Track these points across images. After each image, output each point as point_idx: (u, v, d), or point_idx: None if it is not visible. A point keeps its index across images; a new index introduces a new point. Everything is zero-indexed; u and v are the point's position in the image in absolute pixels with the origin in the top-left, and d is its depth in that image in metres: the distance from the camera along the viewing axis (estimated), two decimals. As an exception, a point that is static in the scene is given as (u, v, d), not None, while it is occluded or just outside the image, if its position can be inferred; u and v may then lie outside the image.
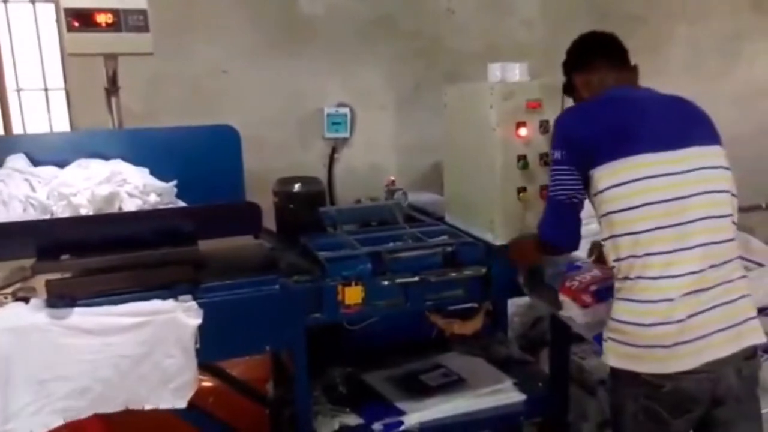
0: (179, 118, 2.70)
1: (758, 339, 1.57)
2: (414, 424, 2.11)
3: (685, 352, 1.50)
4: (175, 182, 2.05)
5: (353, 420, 2.13)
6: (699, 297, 1.51)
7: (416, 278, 1.99)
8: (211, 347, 1.79)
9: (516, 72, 2.12)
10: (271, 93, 3.21)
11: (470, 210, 2.26)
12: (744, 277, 1.61)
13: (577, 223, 1.73)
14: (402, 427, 2.10)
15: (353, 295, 1.93)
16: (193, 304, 1.76)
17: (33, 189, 1.86)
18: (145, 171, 2.03)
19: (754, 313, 1.58)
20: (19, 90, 3.44)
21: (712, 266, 1.53)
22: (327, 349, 2.28)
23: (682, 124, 1.62)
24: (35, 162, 2.04)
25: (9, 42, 3.38)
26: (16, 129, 3.45)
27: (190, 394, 1.77)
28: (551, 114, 2.08)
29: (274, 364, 2.47)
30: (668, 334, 1.50)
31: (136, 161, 2.06)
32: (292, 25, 3.24)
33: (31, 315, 1.68)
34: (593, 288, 1.83)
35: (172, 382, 1.73)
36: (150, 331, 1.71)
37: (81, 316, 1.67)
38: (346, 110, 3.29)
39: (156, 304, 1.73)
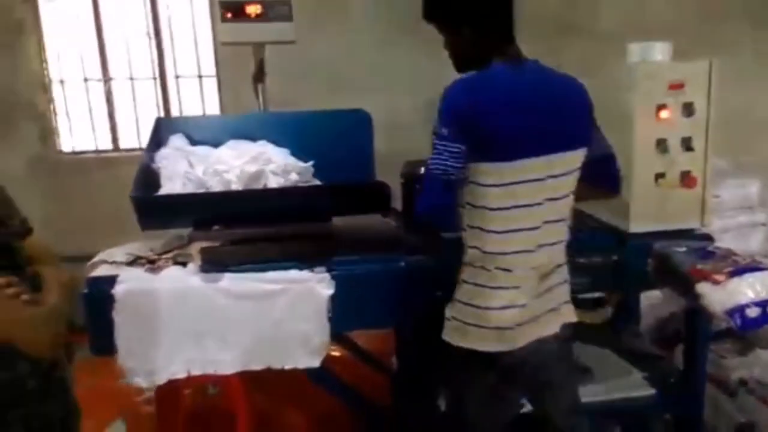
0: (315, 101, 2.85)
1: None
2: (536, 408, 2.11)
3: None
4: (312, 162, 2.18)
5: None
6: None
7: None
8: (341, 318, 1.90)
9: (658, 52, 2.02)
10: (402, 76, 3.29)
11: (602, 195, 2.19)
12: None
13: None
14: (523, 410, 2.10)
15: (476, 275, 1.95)
16: (327, 275, 1.88)
17: (191, 166, 2.07)
18: (287, 151, 2.18)
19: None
20: (177, 77, 3.81)
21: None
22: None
23: (553, 127, 1.54)
24: (192, 141, 2.25)
25: (169, 33, 3.76)
26: (174, 112, 3.84)
27: (324, 354, 1.89)
28: (695, 96, 1.97)
29: (398, 338, 2.56)
30: None
31: (279, 142, 2.22)
32: (424, 9, 3.28)
33: (188, 278, 1.88)
34: (728, 269, 1.74)
35: (308, 345, 1.86)
36: (288, 298, 1.85)
37: (230, 281, 1.85)
38: (475, 93, 3.28)
39: (294, 273, 1.87)
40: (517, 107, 1.51)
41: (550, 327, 1.65)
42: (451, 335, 1.65)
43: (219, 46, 3.58)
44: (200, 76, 3.81)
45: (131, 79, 3.80)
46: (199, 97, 3.83)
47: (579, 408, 1.77)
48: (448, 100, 1.53)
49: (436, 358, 1.98)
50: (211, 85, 3.82)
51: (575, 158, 1.59)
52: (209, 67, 3.80)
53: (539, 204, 1.55)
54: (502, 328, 1.57)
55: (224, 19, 2.30)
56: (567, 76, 1.63)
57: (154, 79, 3.81)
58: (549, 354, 1.65)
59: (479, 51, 1.60)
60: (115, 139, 3.88)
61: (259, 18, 2.27)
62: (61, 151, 3.86)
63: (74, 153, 3.86)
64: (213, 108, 3.80)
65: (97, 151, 3.86)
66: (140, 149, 3.72)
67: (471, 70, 1.61)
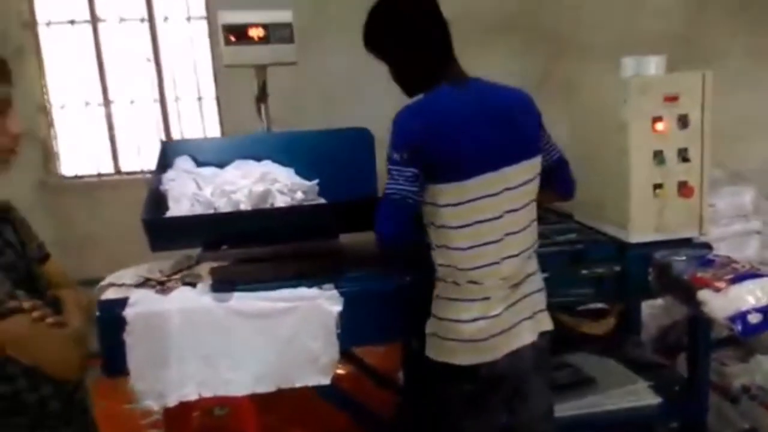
0: (315, 121, 2.89)
1: None
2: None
3: None
4: (317, 181, 2.21)
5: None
6: None
7: (545, 275, 2.00)
8: (349, 334, 1.92)
9: (652, 65, 2.07)
10: (401, 95, 3.34)
11: (602, 208, 2.23)
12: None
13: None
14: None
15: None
16: (335, 292, 1.91)
17: (199, 187, 2.09)
18: (292, 171, 2.21)
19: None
20: (177, 99, 3.85)
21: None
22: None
23: (504, 140, 1.58)
24: (197, 163, 2.27)
25: (169, 56, 3.80)
26: (175, 133, 3.87)
27: (333, 371, 1.91)
28: (690, 108, 2.02)
29: (404, 353, 2.57)
30: None
31: (283, 162, 2.24)
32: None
33: (198, 298, 1.90)
34: (728, 277, 1.78)
35: (317, 362, 1.88)
36: (297, 316, 1.88)
37: (240, 300, 1.87)
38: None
39: (303, 291, 1.90)
40: (466, 126, 1.56)
41: (527, 336, 1.66)
42: (430, 350, 1.68)
43: (218, 67, 3.63)
44: (200, 98, 3.86)
45: (132, 102, 3.84)
46: (199, 118, 3.87)
47: (552, 414, 1.79)
48: (399, 126, 1.57)
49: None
50: (210, 107, 3.86)
51: (530, 168, 1.63)
52: (209, 88, 3.84)
53: (499, 217, 1.59)
54: (476, 340, 1.60)
55: (228, 42, 2.34)
56: (511, 89, 1.67)
57: (155, 101, 3.85)
58: (526, 363, 1.67)
59: (421, 74, 1.64)
60: (116, 163, 3.91)
61: (261, 40, 2.32)
62: (62, 176, 3.88)
63: (76, 177, 3.89)
64: (213, 129, 3.84)
65: (98, 175, 3.88)
66: (142, 172, 3.75)
67: (420, 93, 1.66)
